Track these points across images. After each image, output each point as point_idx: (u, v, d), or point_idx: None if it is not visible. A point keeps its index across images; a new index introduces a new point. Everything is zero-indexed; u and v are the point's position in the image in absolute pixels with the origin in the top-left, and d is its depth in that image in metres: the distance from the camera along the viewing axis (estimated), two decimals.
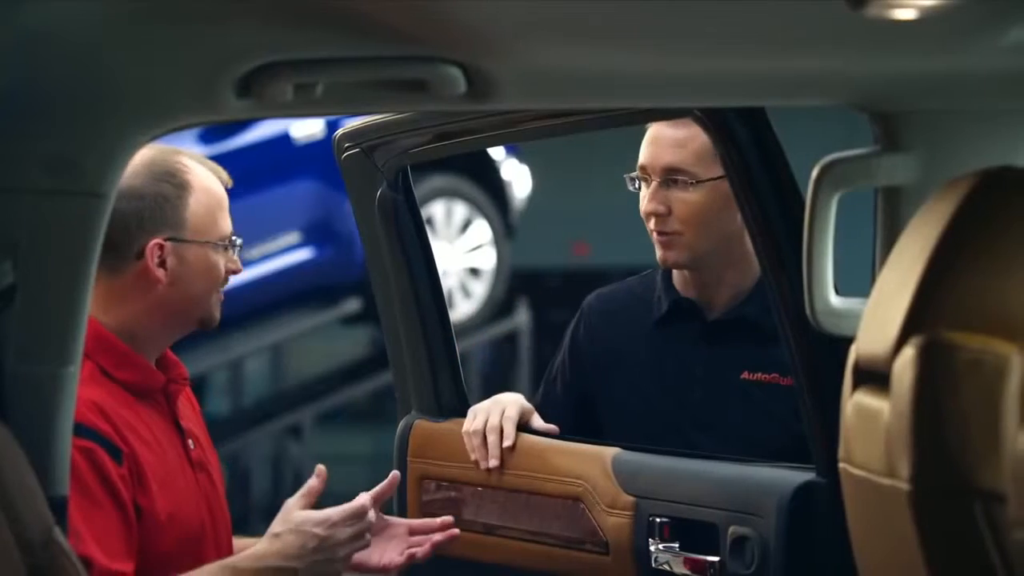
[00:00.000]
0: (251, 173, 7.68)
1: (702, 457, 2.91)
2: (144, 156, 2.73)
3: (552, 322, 10.69)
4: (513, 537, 3.10)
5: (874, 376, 1.74)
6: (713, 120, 2.68)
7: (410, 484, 3.25)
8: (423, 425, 3.29)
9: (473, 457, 3.12)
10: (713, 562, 2.80)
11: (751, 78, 2.21)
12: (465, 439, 3.13)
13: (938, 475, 1.61)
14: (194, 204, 2.74)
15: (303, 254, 8.18)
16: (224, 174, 2.82)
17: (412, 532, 2.88)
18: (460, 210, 8.71)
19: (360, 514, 2.68)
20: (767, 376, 3.02)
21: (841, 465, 1.82)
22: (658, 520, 2.87)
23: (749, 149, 2.65)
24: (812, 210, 2.21)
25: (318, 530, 2.64)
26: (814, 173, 2.22)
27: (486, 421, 3.11)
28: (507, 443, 3.08)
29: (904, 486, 1.63)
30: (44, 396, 2.11)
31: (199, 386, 9.13)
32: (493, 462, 3.09)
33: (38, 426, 2.10)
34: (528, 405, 3.15)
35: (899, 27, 1.88)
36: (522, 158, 8.99)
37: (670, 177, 3.03)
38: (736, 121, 2.65)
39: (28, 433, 2.07)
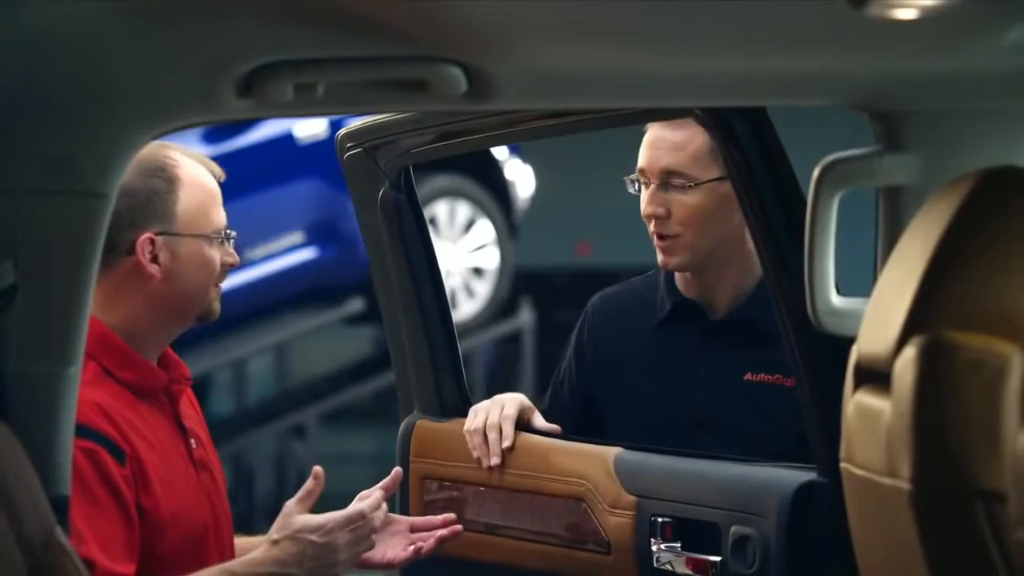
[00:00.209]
0: (255, 173, 7.68)
1: (704, 457, 2.91)
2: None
3: (556, 322, 10.70)
4: (515, 537, 3.10)
5: (875, 376, 1.74)
6: (714, 120, 2.68)
7: (412, 484, 3.25)
8: (425, 425, 3.29)
9: (475, 455, 3.12)
10: (715, 562, 2.80)
11: (752, 78, 2.21)
12: (467, 437, 3.14)
13: (939, 475, 1.61)
14: (184, 198, 2.73)
15: (307, 254, 8.17)
16: (216, 168, 2.81)
17: (414, 529, 2.88)
18: (463, 210, 8.71)
19: (358, 519, 2.68)
20: (770, 377, 3.02)
21: (842, 465, 1.82)
22: (660, 520, 2.87)
23: (750, 149, 2.65)
24: (813, 210, 2.21)
25: (315, 537, 2.64)
26: (815, 173, 2.22)
27: (486, 420, 3.11)
28: (506, 443, 3.08)
29: (905, 486, 1.63)
30: (45, 396, 2.11)
31: (203, 386, 9.13)
32: (495, 460, 3.09)
33: (40, 426, 2.10)
34: (528, 403, 3.15)
35: (900, 26, 1.88)
36: (525, 158, 8.99)
37: (668, 180, 3.04)
38: (737, 121, 2.65)
39: (30, 433, 2.07)
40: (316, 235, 8.15)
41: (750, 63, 2.14)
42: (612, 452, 2.98)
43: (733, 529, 2.77)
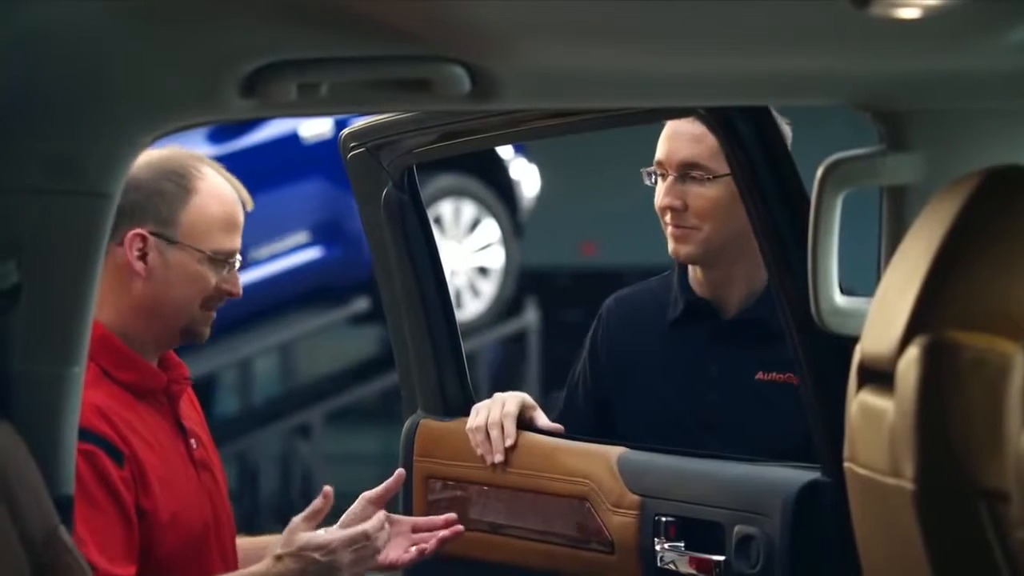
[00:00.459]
0: (260, 173, 7.67)
1: (707, 456, 2.91)
2: (161, 153, 2.71)
3: (561, 321, 10.70)
4: (518, 536, 3.10)
5: (879, 376, 1.74)
6: (718, 119, 2.68)
7: (416, 483, 3.25)
8: (429, 424, 3.29)
9: (479, 452, 3.12)
10: (719, 561, 2.80)
11: (755, 77, 2.21)
12: (469, 436, 3.14)
13: (942, 474, 1.61)
14: (193, 209, 2.70)
15: (312, 253, 8.17)
16: (247, 196, 2.77)
17: (416, 529, 2.88)
18: (468, 209, 8.71)
19: (362, 539, 2.68)
20: (782, 376, 3.01)
21: (846, 464, 1.82)
22: (664, 519, 2.87)
23: (754, 148, 2.65)
24: (817, 209, 2.21)
25: (319, 555, 2.64)
26: (819, 172, 2.22)
27: (487, 417, 3.11)
28: (508, 441, 3.09)
29: (908, 485, 1.63)
30: (49, 396, 2.11)
31: (208, 385, 9.13)
32: (498, 457, 3.09)
33: (43, 426, 2.10)
34: (530, 401, 3.15)
35: (903, 26, 1.88)
36: (531, 157, 8.99)
37: (686, 172, 3.04)
38: (741, 120, 2.65)
39: (33, 433, 2.07)
40: (321, 235, 8.15)
41: (754, 63, 2.14)
42: (616, 451, 2.98)
43: (737, 529, 2.77)
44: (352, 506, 2.78)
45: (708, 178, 3.03)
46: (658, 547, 2.87)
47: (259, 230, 7.70)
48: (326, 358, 10.07)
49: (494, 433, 3.10)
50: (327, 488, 2.72)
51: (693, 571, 2.83)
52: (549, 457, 3.06)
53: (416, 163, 3.25)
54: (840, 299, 2.22)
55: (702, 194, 3.03)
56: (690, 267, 3.15)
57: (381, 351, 9.53)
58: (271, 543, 2.77)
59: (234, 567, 2.78)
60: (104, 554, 2.53)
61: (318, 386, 9.86)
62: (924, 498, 1.62)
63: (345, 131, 3.30)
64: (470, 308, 8.75)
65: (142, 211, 2.68)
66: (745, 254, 3.06)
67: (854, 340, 1.84)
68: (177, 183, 2.71)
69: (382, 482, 2.84)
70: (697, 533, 2.83)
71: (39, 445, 2.07)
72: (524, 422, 3.12)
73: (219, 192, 2.73)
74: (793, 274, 2.61)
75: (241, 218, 2.76)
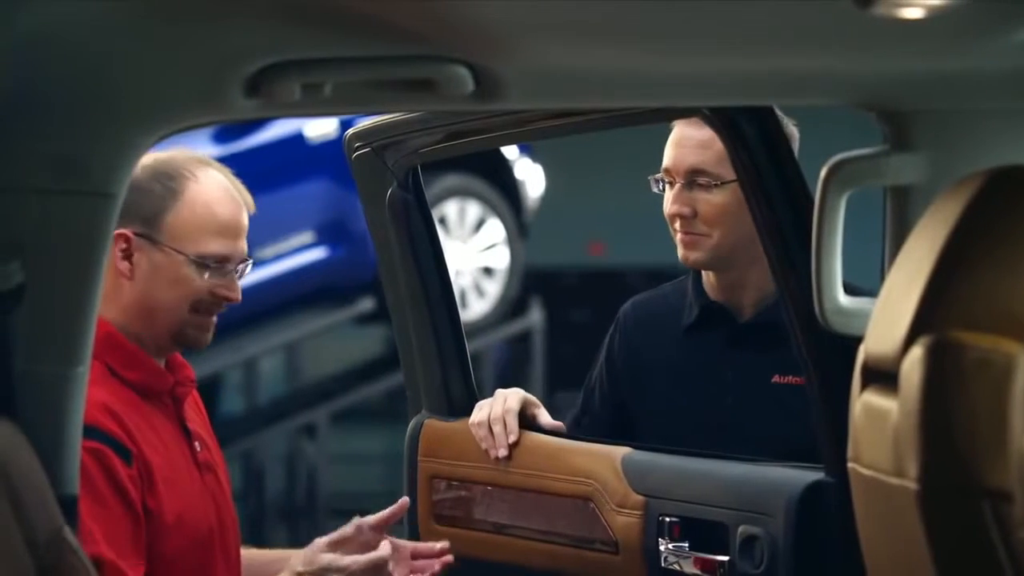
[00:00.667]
0: (265, 172, 7.68)
1: (711, 456, 2.91)
2: (163, 154, 2.70)
3: (566, 321, 10.71)
4: (523, 536, 3.10)
5: (883, 376, 1.74)
6: (722, 120, 2.68)
7: (421, 483, 3.25)
8: (433, 424, 3.29)
9: (484, 447, 3.13)
10: (723, 561, 2.80)
11: (759, 77, 2.21)
12: (473, 432, 3.14)
13: (946, 475, 1.61)
14: (181, 212, 2.68)
15: (317, 253, 8.18)
16: (249, 200, 2.75)
17: (415, 556, 2.88)
18: (473, 209, 8.71)
19: (382, 565, 2.69)
20: (797, 379, 3.01)
21: (850, 465, 1.82)
22: (668, 519, 2.87)
23: (758, 149, 2.65)
24: (821, 209, 2.21)
25: None
26: (823, 172, 2.22)
27: (489, 413, 3.12)
28: (511, 437, 3.09)
29: (912, 485, 1.63)
30: (53, 396, 2.11)
31: (214, 385, 9.14)
32: (502, 452, 3.10)
33: (47, 426, 2.10)
34: (531, 398, 3.15)
35: (907, 26, 1.88)
36: (536, 157, 8.99)
37: (694, 178, 3.04)
38: (745, 121, 2.65)
39: (37, 433, 2.07)
40: (326, 235, 8.16)
41: (757, 63, 2.14)
42: (620, 452, 2.98)
43: (741, 529, 2.77)
44: (344, 528, 2.76)
45: (716, 184, 3.02)
46: (662, 547, 2.87)
47: (264, 230, 7.70)
48: (331, 358, 10.08)
49: (497, 428, 3.11)
50: (358, 520, 2.73)
51: (697, 571, 2.83)
52: (553, 457, 3.06)
53: (421, 163, 3.25)
54: (844, 299, 2.22)
55: (710, 201, 3.03)
56: (704, 272, 3.15)
57: (386, 351, 9.54)
58: (280, 556, 2.78)
59: (237, 572, 2.78)
60: (114, 550, 2.53)
61: (323, 386, 9.87)
62: (928, 498, 1.62)
63: (350, 131, 3.31)
64: (475, 308, 8.76)
65: (128, 211, 2.66)
66: (758, 258, 3.05)
67: (858, 340, 1.84)
68: (164, 185, 2.68)
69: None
70: (701, 533, 2.83)
71: (43, 445, 2.07)
72: (526, 419, 3.13)
73: (209, 196, 2.70)
74: (797, 274, 2.60)
75: (238, 222, 2.73)
